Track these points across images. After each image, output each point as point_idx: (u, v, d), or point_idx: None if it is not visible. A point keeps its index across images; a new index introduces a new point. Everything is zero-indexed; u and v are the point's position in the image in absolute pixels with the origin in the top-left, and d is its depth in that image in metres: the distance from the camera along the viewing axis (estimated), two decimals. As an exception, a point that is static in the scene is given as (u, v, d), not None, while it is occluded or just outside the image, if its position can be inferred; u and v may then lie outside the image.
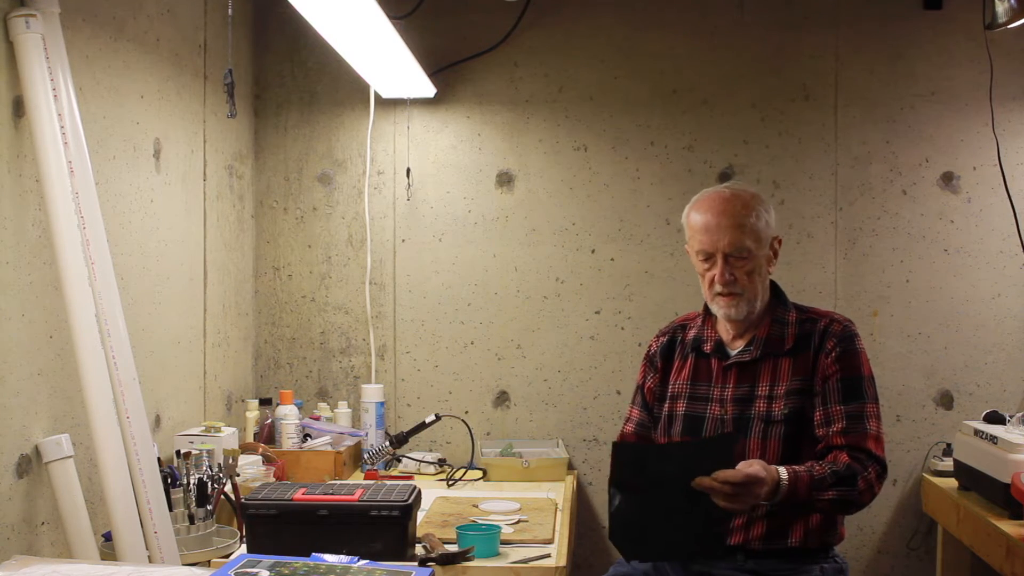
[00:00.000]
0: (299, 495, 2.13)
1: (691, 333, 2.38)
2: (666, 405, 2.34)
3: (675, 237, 3.39)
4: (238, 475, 2.57)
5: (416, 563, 2.09)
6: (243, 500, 2.27)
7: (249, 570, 1.61)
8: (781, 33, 3.41)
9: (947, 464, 3.17)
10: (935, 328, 3.39)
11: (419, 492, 2.22)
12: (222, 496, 2.47)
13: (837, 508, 2.14)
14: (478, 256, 3.48)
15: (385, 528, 2.07)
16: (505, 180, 3.47)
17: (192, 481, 2.37)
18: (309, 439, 3.14)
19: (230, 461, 2.51)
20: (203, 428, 2.76)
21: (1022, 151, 3.36)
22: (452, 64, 3.43)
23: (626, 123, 3.44)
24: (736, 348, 2.29)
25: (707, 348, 2.33)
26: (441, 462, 3.24)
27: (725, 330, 2.32)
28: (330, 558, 1.68)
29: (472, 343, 3.48)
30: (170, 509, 2.27)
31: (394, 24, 2.61)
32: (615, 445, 2.07)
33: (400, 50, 2.80)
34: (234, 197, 3.29)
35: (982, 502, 2.83)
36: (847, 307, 3.35)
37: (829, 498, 2.07)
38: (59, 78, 2.04)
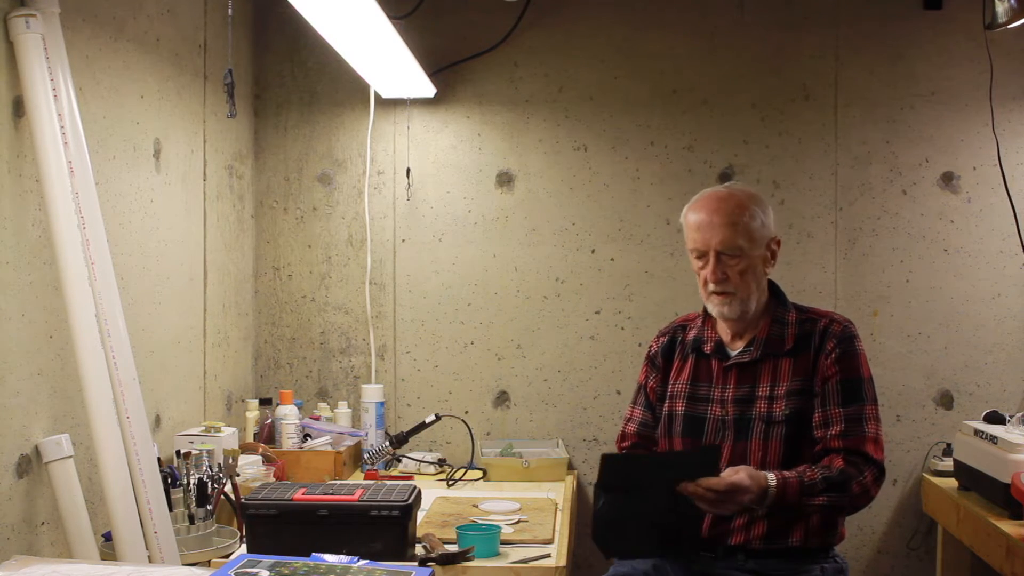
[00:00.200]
0: (299, 495, 2.13)
1: (691, 334, 2.38)
2: (666, 404, 2.35)
3: (675, 237, 3.38)
4: (238, 475, 2.57)
5: (416, 563, 2.09)
6: (243, 500, 2.27)
7: (249, 570, 1.61)
8: (781, 33, 3.41)
9: (947, 464, 3.17)
10: (935, 328, 3.39)
11: (419, 492, 2.22)
12: (222, 496, 2.47)
13: (829, 512, 2.17)
14: (478, 256, 3.48)
15: (385, 528, 2.07)
16: (505, 180, 3.47)
17: (192, 481, 2.38)
18: (309, 439, 3.14)
19: (230, 461, 2.51)
20: (203, 428, 2.76)
21: (1022, 151, 3.36)
22: (452, 64, 3.43)
23: (626, 123, 3.44)
24: (736, 349, 2.29)
25: (707, 349, 2.33)
26: (441, 462, 3.24)
27: (724, 331, 2.32)
28: (330, 558, 1.68)
29: (472, 343, 3.48)
30: (170, 509, 2.27)
31: (394, 24, 2.61)
32: (604, 457, 2.08)
33: (400, 50, 2.80)
34: (234, 197, 3.29)
35: (982, 502, 2.83)
36: (847, 307, 3.35)
37: (819, 503, 2.11)
38: (59, 78, 2.04)
